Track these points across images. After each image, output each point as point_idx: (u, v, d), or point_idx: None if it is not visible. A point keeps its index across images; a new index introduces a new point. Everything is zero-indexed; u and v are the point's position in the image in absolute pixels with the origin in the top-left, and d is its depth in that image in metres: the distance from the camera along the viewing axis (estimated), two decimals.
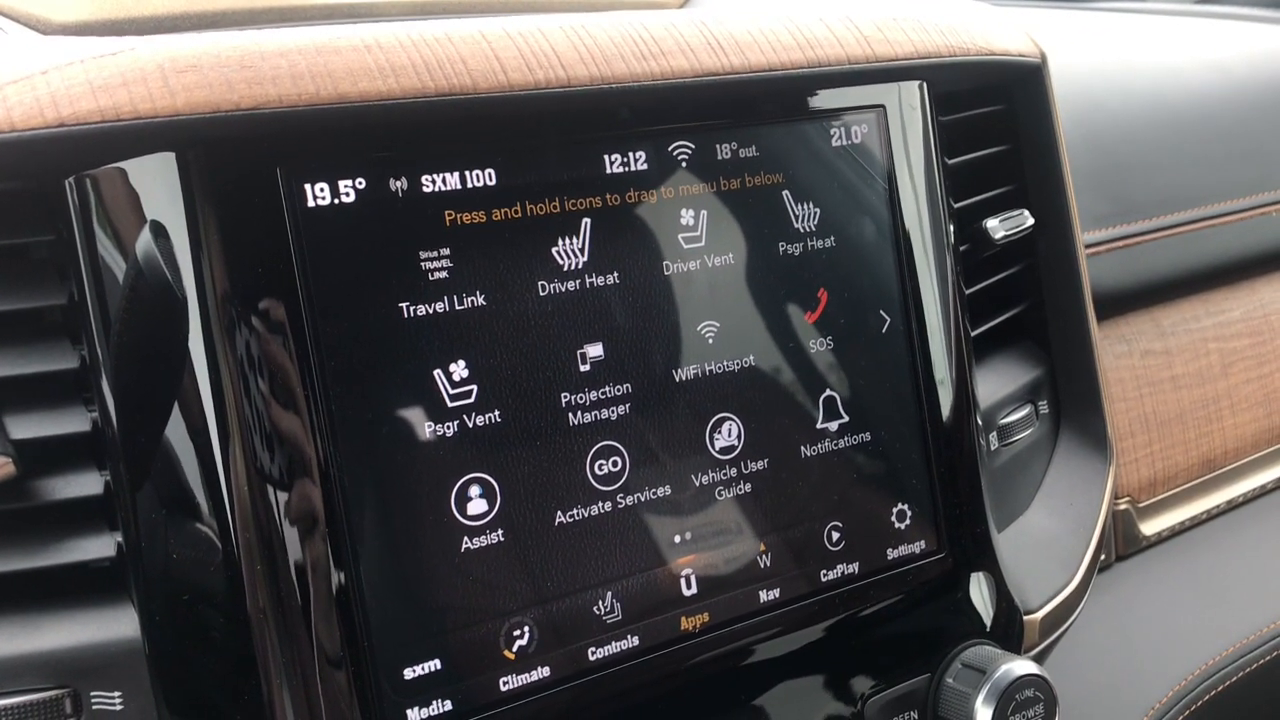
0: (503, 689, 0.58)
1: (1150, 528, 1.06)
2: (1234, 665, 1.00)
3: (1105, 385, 0.88)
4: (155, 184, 0.52)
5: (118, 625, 0.54)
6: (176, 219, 0.52)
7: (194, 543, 0.53)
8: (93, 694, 0.53)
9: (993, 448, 0.80)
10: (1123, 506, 1.04)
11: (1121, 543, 1.04)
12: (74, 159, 0.51)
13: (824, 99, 0.67)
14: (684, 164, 0.62)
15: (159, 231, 0.52)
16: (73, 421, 0.53)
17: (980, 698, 0.68)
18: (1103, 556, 1.02)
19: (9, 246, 0.53)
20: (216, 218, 0.52)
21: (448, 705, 0.56)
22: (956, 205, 0.78)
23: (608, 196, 0.60)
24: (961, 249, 0.78)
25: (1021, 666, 0.68)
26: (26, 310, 0.53)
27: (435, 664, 0.56)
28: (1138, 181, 1.04)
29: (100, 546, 0.54)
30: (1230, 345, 1.11)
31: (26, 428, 0.53)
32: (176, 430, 0.53)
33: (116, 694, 0.54)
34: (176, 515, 0.53)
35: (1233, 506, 1.12)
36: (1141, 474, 1.06)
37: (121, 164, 0.51)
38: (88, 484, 0.54)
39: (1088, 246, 0.99)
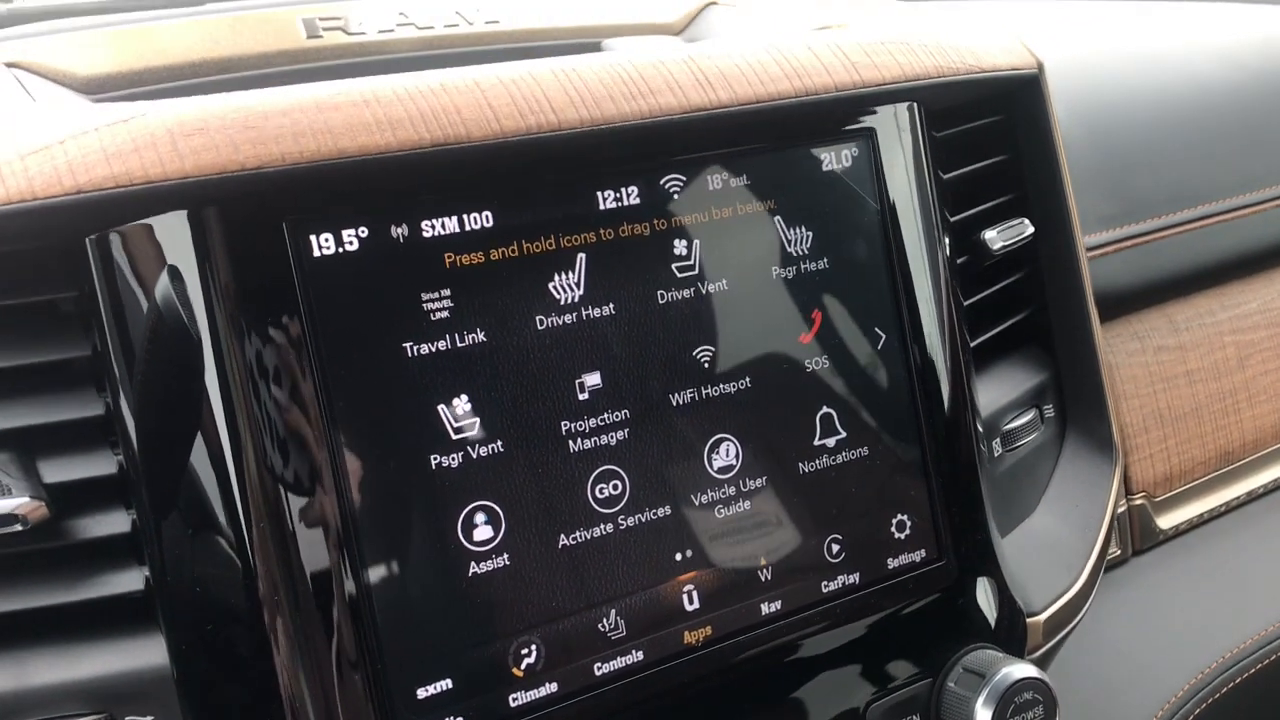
0: (512, 705, 0.61)
1: (1167, 522, 1.07)
2: (1252, 658, 1.01)
3: (1111, 387, 0.89)
4: (170, 240, 0.55)
5: (148, 653, 0.57)
6: (190, 272, 0.55)
7: (216, 574, 0.57)
8: (127, 718, 0.57)
9: (996, 454, 0.82)
10: (1138, 501, 1.06)
11: (1138, 537, 1.06)
12: (92, 220, 0.54)
13: (812, 127, 0.69)
14: (675, 196, 0.65)
15: (175, 283, 0.55)
16: (100, 464, 0.57)
17: (980, 701, 0.70)
18: (1118, 551, 1.04)
19: (37, 304, 0.56)
20: (227, 269, 0.55)
21: None
22: (955, 217, 0.80)
23: (602, 231, 0.63)
24: (960, 260, 0.80)
25: (1020, 670, 0.70)
26: (54, 362, 0.56)
27: (447, 683, 0.59)
28: (1145, 179, 1.05)
29: (129, 580, 0.58)
30: (1247, 338, 1.11)
31: (57, 472, 0.56)
32: (196, 468, 0.56)
33: (149, 718, 0.57)
34: (199, 548, 0.57)
35: (1252, 498, 1.13)
36: (1157, 469, 1.07)
37: (137, 223, 0.55)
38: (116, 523, 0.57)
39: (1096, 248, 1.00)
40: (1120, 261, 1.03)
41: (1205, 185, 1.09)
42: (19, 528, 0.55)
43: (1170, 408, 1.07)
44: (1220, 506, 1.11)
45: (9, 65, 0.70)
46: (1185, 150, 1.08)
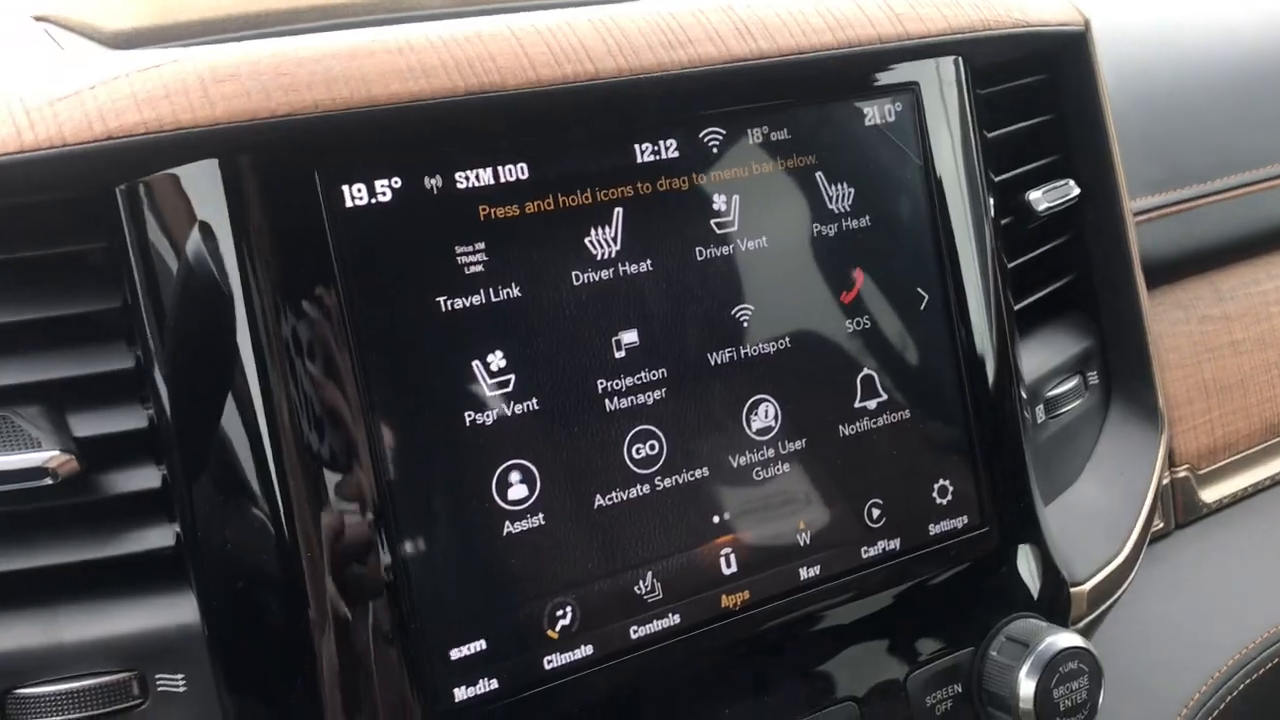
0: (547, 667, 0.59)
1: (1211, 495, 1.05)
2: None
3: (1156, 354, 0.87)
4: (201, 189, 0.54)
5: (179, 611, 0.57)
6: (222, 222, 0.54)
7: (248, 531, 0.56)
8: (157, 676, 0.56)
9: (1039, 420, 0.80)
10: (1182, 474, 1.03)
11: (1181, 510, 1.04)
12: (123, 169, 0.53)
13: (855, 79, 0.67)
14: (715, 150, 0.63)
15: (205, 235, 0.54)
16: (130, 419, 0.56)
17: (1024, 670, 0.68)
18: (1161, 524, 1.02)
19: (67, 254, 0.55)
20: (259, 220, 0.54)
21: (494, 684, 0.58)
22: (999, 178, 0.78)
23: (639, 185, 0.61)
24: (1004, 222, 0.78)
25: (1065, 639, 0.69)
26: (84, 314, 0.55)
27: (481, 644, 0.58)
28: (1192, 145, 1.02)
29: (160, 536, 0.57)
30: None
31: (87, 426, 0.55)
32: (228, 423, 0.55)
33: (180, 676, 0.56)
34: (231, 505, 0.56)
35: None
36: (1201, 441, 1.05)
37: (168, 171, 0.54)
38: (146, 478, 0.57)
39: (1140, 213, 0.98)
40: (1165, 228, 1.01)
41: (1252, 151, 1.06)
42: (48, 481, 0.54)
43: (1215, 379, 1.05)
44: (1265, 480, 1.08)
45: (38, 19, 0.69)
46: (1232, 116, 1.05)
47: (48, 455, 0.54)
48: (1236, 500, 1.06)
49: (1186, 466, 1.03)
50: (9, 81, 0.53)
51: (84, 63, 0.54)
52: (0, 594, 0.55)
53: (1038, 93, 0.83)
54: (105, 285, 0.56)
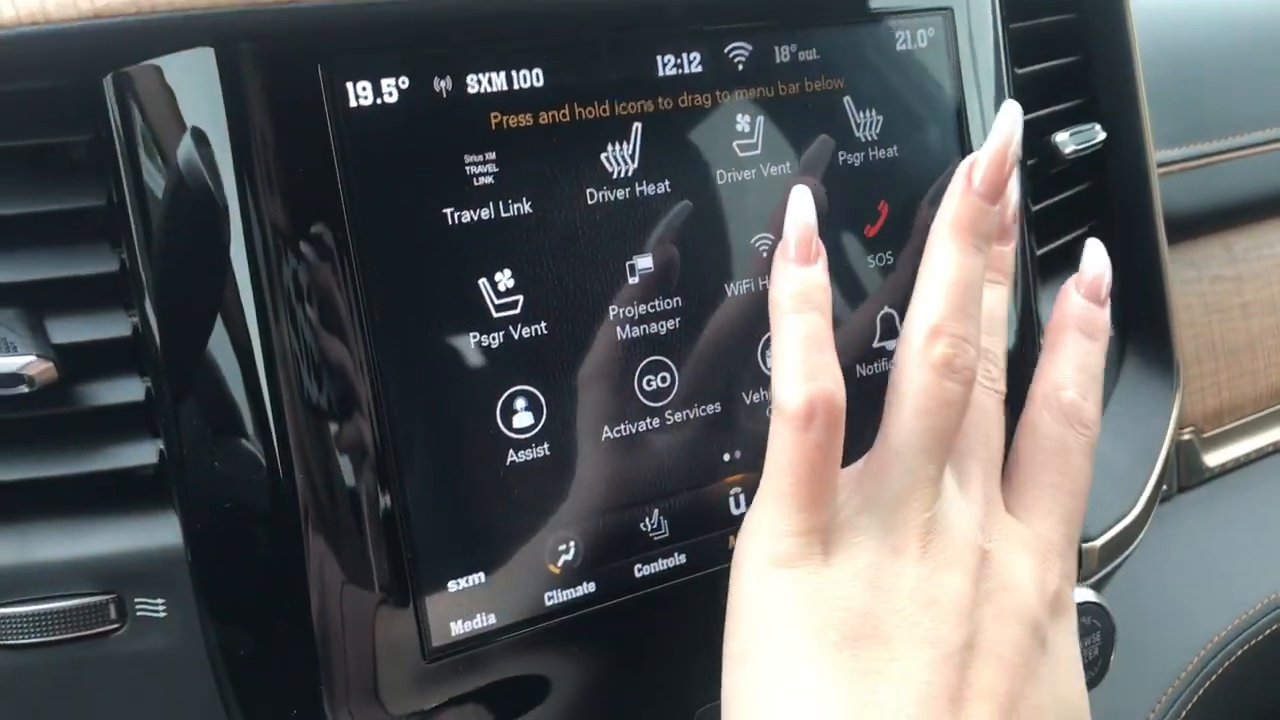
0: (547, 603, 0.57)
1: (1215, 459, 1.03)
2: None
3: (1174, 310, 0.85)
4: (194, 81, 0.50)
5: (161, 533, 0.53)
6: (216, 118, 0.50)
7: (236, 452, 0.52)
8: (137, 600, 0.53)
9: None
10: (1186, 436, 1.02)
11: (1184, 473, 1.02)
12: (111, 55, 0.49)
13: (887, 1, 0.64)
14: (740, 67, 0.60)
15: (198, 131, 0.50)
16: (113, 326, 0.53)
17: None
18: (1164, 487, 1.00)
19: (47, 145, 0.51)
20: (256, 117, 0.50)
21: (491, 619, 0.55)
22: (1027, 117, 0.75)
23: (659, 100, 0.58)
24: (1029, 163, 0.75)
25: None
26: (65, 211, 0.52)
27: (479, 577, 0.55)
28: (1212, 99, 1.00)
29: (142, 454, 0.53)
30: None
31: (66, 332, 0.52)
32: (219, 338, 0.52)
33: (160, 601, 0.53)
34: (219, 425, 0.52)
35: None
36: (1207, 403, 1.03)
37: (159, 60, 0.50)
38: (129, 390, 0.53)
39: (1160, 166, 0.95)
40: (1183, 183, 0.98)
41: (1273, 109, 1.04)
42: (25, 389, 0.50)
43: (1224, 340, 1.03)
44: (1269, 446, 1.07)
45: None
46: (1260, 71, 1.02)
47: (25, 360, 0.50)
48: (1240, 465, 1.05)
49: (1191, 429, 1.02)
50: None
51: None
52: None
53: (1066, 31, 0.80)
54: (89, 181, 0.52)
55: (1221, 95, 1.00)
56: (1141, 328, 0.84)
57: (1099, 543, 0.75)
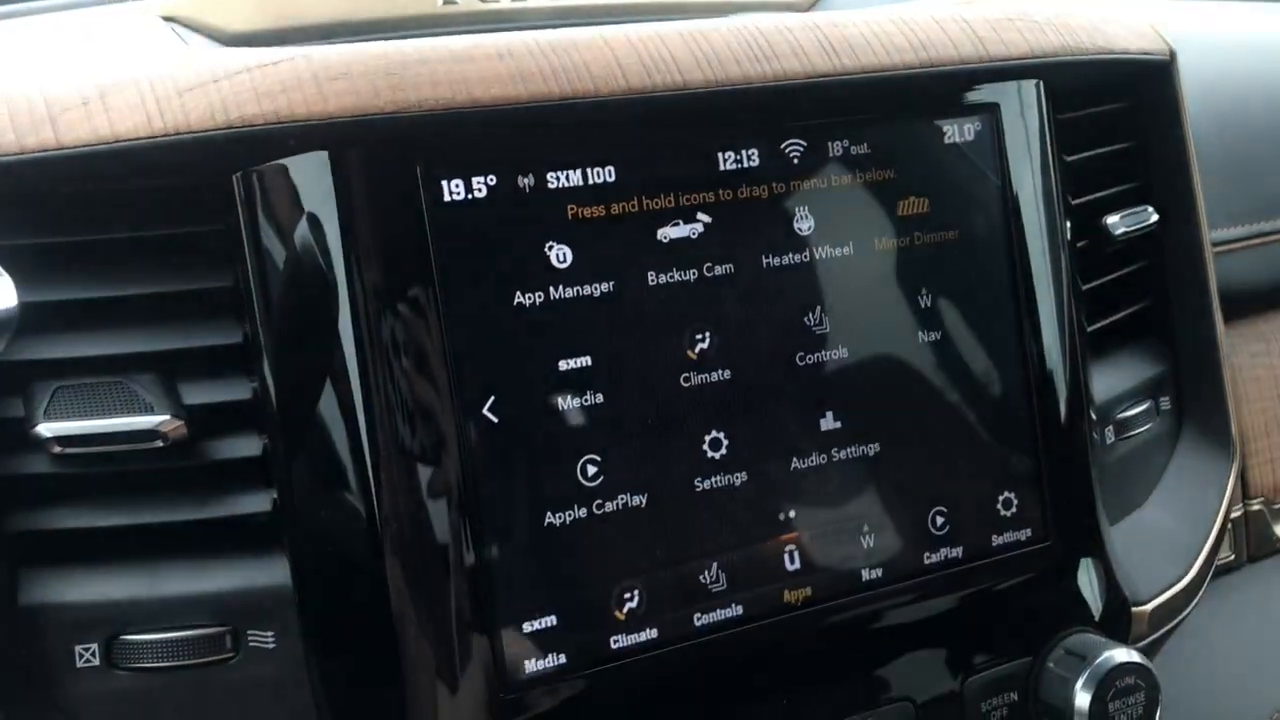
0: (613, 647, 0.62)
1: None
2: None
3: (1231, 385, 0.87)
4: (311, 179, 0.58)
5: (272, 573, 0.60)
6: (329, 211, 0.58)
7: (339, 503, 0.59)
8: (250, 632, 0.60)
9: (1108, 441, 0.81)
10: (1256, 507, 1.03)
11: (1254, 544, 1.03)
12: (240, 157, 0.57)
13: (936, 98, 0.69)
14: (796, 161, 0.66)
15: (313, 221, 0.58)
16: (236, 390, 0.60)
17: (1080, 682, 0.69)
18: (1232, 556, 1.01)
19: (185, 235, 0.60)
20: (363, 210, 0.58)
21: (562, 659, 0.61)
22: (1077, 201, 0.79)
23: (720, 192, 0.64)
24: (1081, 245, 0.79)
25: (1123, 654, 0.70)
26: (198, 290, 0.60)
27: (552, 620, 0.61)
28: (1277, 177, 1.02)
29: (257, 502, 0.61)
30: None
31: (196, 395, 0.60)
32: (326, 400, 0.59)
33: (270, 634, 0.60)
34: (325, 477, 0.59)
35: None
36: (1278, 475, 1.04)
37: (281, 161, 0.58)
38: (248, 446, 0.60)
39: (1222, 244, 0.98)
40: (1248, 260, 1.01)
41: None
42: (159, 444, 0.58)
43: None
44: None
45: (165, 19, 0.74)
46: None
47: (159, 420, 0.58)
48: None
49: (1261, 500, 1.03)
50: (140, 73, 0.57)
51: (208, 58, 0.58)
52: (110, 547, 0.59)
53: (1120, 119, 0.84)
54: (219, 265, 0.60)
55: None
56: (1198, 402, 0.87)
57: (1149, 607, 0.77)
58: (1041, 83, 0.73)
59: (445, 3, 0.83)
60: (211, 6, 0.76)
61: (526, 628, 0.60)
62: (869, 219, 0.68)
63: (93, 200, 0.59)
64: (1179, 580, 0.80)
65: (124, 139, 0.55)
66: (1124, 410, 0.82)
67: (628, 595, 0.63)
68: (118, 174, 0.57)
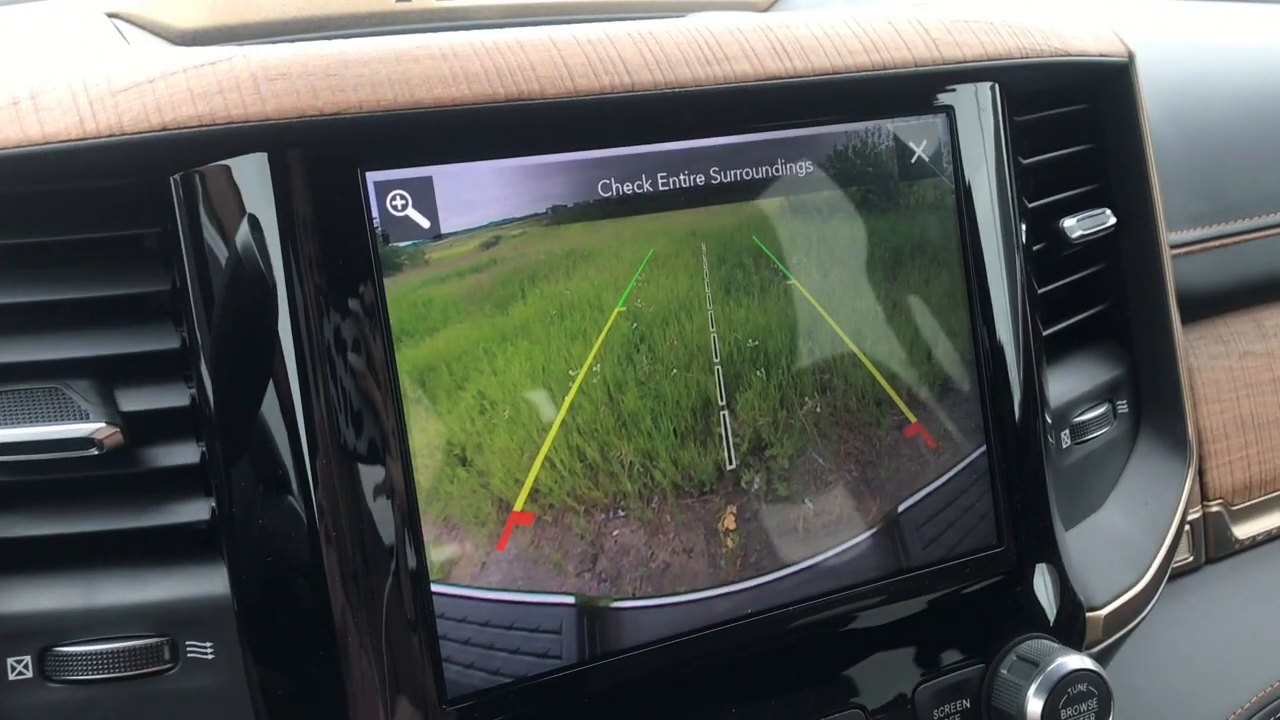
0: (551, 665, 0.61)
1: (1244, 531, 1.04)
2: None
3: (1188, 387, 0.87)
4: (250, 181, 0.57)
5: (211, 583, 0.59)
6: (268, 212, 0.57)
7: (280, 511, 0.58)
8: (188, 643, 0.59)
9: (1064, 445, 0.81)
10: (1215, 508, 1.03)
11: (1213, 545, 1.03)
12: (177, 159, 0.56)
13: (889, 102, 0.69)
14: (745, 165, 0.65)
15: (253, 224, 0.57)
16: (173, 397, 0.59)
17: (1032, 689, 0.69)
18: (1190, 558, 1.02)
19: (121, 238, 0.58)
20: (303, 212, 0.57)
21: (503, 674, 0.60)
22: (1035, 204, 0.79)
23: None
24: (1037, 248, 0.79)
25: (1075, 661, 0.69)
26: (135, 295, 0.58)
27: (497, 633, 0.60)
28: (1237, 180, 1.02)
29: (196, 510, 0.59)
30: None
31: (133, 401, 0.59)
32: (267, 407, 0.58)
33: (209, 644, 0.59)
34: (264, 484, 0.58)
35: None
36: (1237, 476, 1.04)
37: (219, 163, 0.56)
38: (186, 454, 0.59)
39: (1181, 245, 0.98)
40: (1207, 261, 1.01)
41: None
42: (94, 451, 0.57)
43: (1254, 414, 1.05)
44: None
45: (110, 15, 0.73)
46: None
47: (95, 427, 0.57)
48: (1270, 538, 1.06)
49: (1220, 501, 1.03)
50: (75, 72, 0.56)
51: (145, 57, 0.57)
52: (43, 557, 0.58)
53: (1078, 121, 0.83)
54: (156, 269, 0.59)
55: (1243, 175, 1.02)
56: (1155, 405, 0.86)
57: (1104, 612, 0.77)
58: (997, 85, 0.73)
59: (399, 0, 0.82)
60: (158, 3, 0.75)
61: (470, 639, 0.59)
62: (821, 227, 0.67)
63: (25, 202, 0.57)
64: (1134, 584, 0.80)
65: (55, 140, 0.54)
66: (1081, 414, 0.82)
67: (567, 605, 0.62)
68: (50, 176, 0.56)
